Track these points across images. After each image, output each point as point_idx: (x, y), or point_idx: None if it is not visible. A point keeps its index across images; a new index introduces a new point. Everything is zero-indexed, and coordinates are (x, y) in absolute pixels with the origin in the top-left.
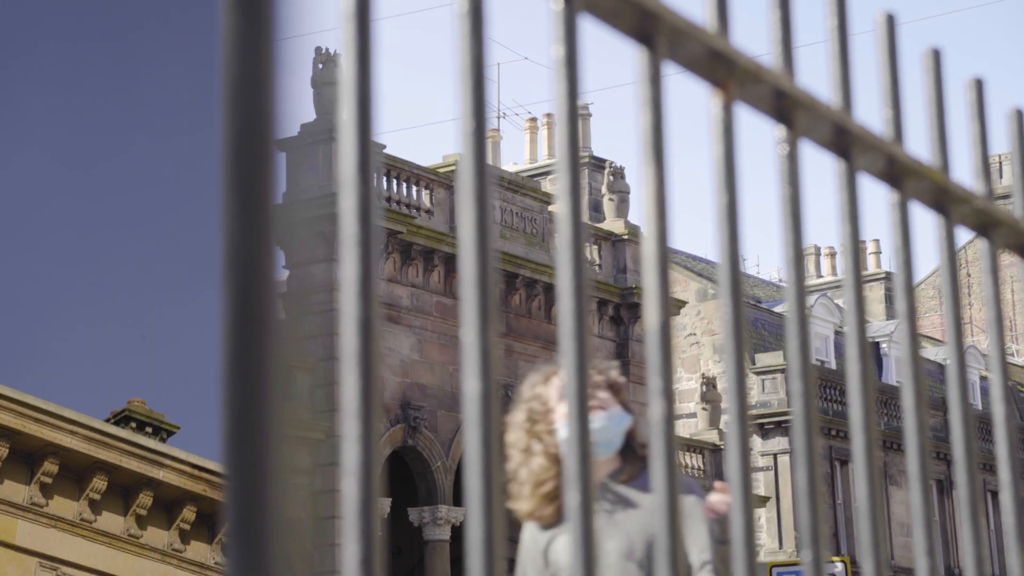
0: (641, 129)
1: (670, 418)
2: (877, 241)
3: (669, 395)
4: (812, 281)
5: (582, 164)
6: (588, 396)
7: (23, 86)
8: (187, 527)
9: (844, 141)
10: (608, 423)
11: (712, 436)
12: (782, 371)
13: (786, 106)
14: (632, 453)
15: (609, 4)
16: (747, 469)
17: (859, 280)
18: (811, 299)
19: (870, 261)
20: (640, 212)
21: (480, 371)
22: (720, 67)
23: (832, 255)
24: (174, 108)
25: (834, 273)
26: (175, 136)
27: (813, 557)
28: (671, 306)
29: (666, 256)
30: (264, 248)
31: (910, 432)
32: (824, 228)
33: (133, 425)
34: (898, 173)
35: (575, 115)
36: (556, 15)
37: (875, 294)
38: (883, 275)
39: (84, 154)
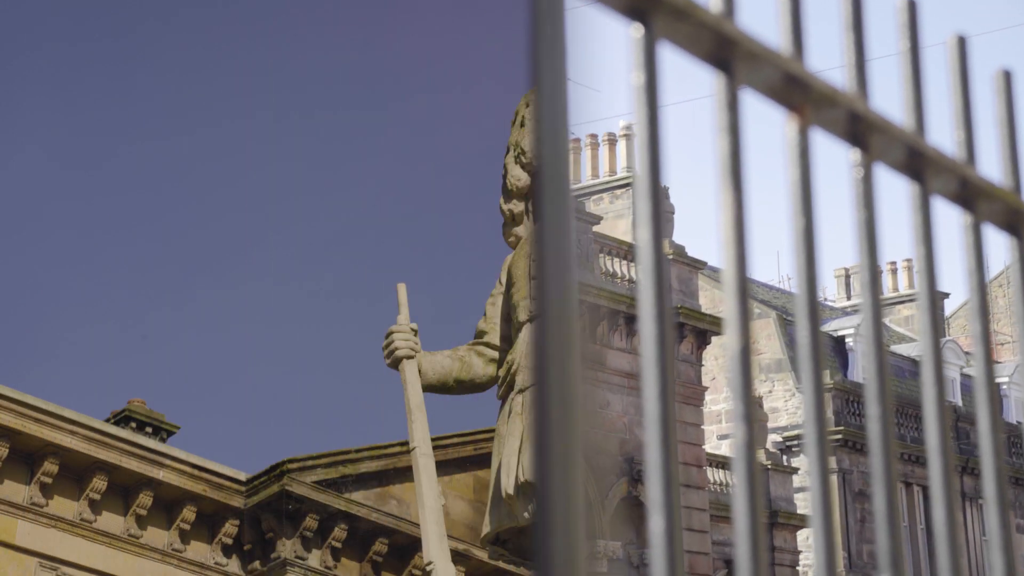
0: (719, 155)
1: (751, 442)
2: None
3: (750, 420)
4: (857, 300)
5: (625, 184)
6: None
7: (23, 86)
8: (187, 527)
9: (917, 164)
10: None
11: (758, 456)
12: (830, 390)
13: (861, 130)
14: None
15: (687, 30)
16: (827, 493)
17: (934, 300)
18: (858, 318)
19: (917, 280)
20: (718, 237)
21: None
22: (796, 92)
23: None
24: (173, 108)
25: (882, 292)
26: (174, 136)
27: None
28: (751, 331)
29: (745, 281)
30: (570, 312)
31: (986, 454)
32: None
33: (133, 425)
34: (971, 195)
35: (656, 142)
36: (635, 42)
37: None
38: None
39: (84, 154)
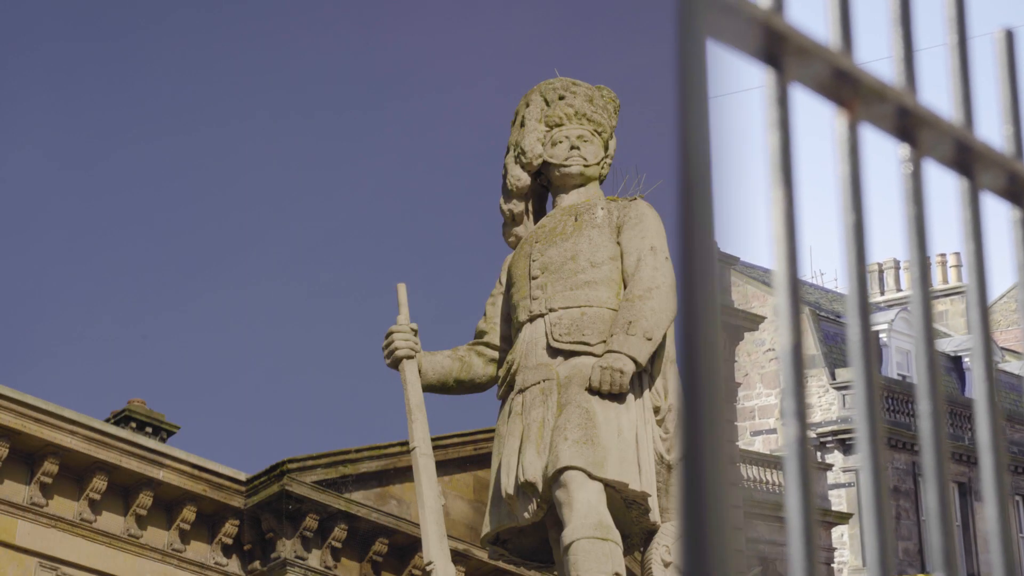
0: (769, 151)
1: (804, 439)
2: (957, 254)
3: (803, 416)
4: (892, 295)
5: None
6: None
7: (22, 85)
8: (187, 527)
9: (966, 159)
10: None
11: None
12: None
13: (910, 124)
14: None
15: (736, 26)
16: (881, 492)
17: (984, 296)
18: (891, 313)
19: (951, 275)
20: (767, 235)
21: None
22: (845, 87)
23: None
24: (172, 108)
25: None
26: (174, 136)
27: None
28: (801, 328)
29: (796, 278)
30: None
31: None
32: (897, 242)
33: (133, 425)
34: (1019, 190)
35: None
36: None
37: (956, 307)
38: (964, 288)
39: (83, 154)
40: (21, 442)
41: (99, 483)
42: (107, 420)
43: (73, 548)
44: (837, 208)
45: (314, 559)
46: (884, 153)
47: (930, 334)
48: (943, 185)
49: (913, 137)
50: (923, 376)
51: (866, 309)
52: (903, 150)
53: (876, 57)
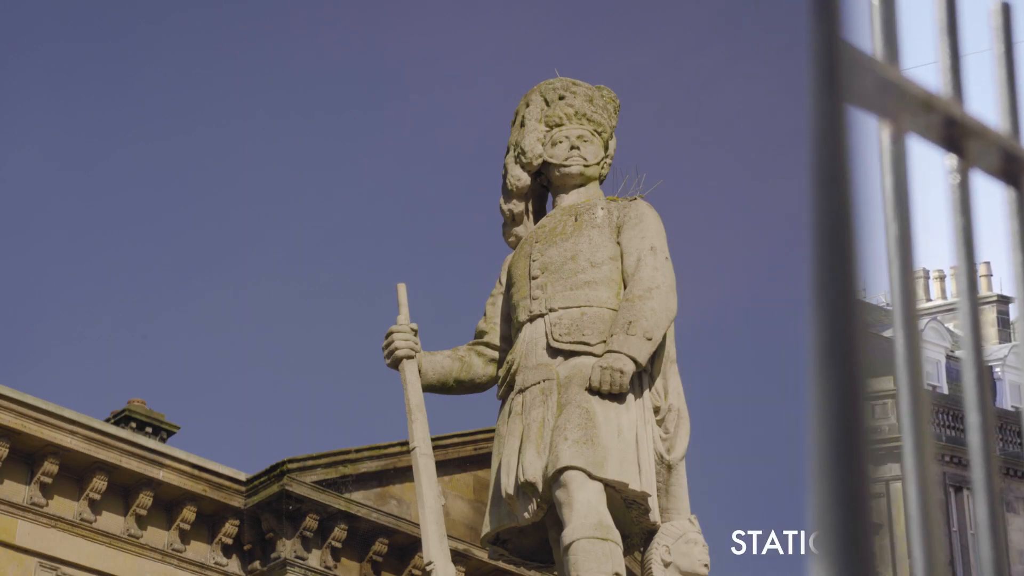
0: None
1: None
2: (988, 264)
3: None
4: (922, 305)
5: None
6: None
7: (22, 86)
8: (187, 527)
9: (1014, 168)
10: None
11: None
12: (892, 396)
13: (957, 135)
14: None
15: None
16: (928, 505)
17: None
18: (920, 323)
19: (980, 284)
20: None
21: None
22: (891, 98)
23: (941, 278)
24: (172, 108)
25: (943, 296)
26: (173, 136)
27: None
28: (982, 337)
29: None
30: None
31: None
32: (934, 250)
33: (133, 425)
34: None
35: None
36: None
37: (987, 317)
38: (995, 298)
39: (82, 154)
40: (21, 442)
41: (99, 483)
42: (107, 420)
43: (73, 548)
44: (883, 218)
45: (314, 559)
46: (931, 164)
47: (979, 344)
48: (989, 196)
49: (960, 148)
50: (971, 387)
51: (912, 318)
52: (950, 160)
53: (919, 64)
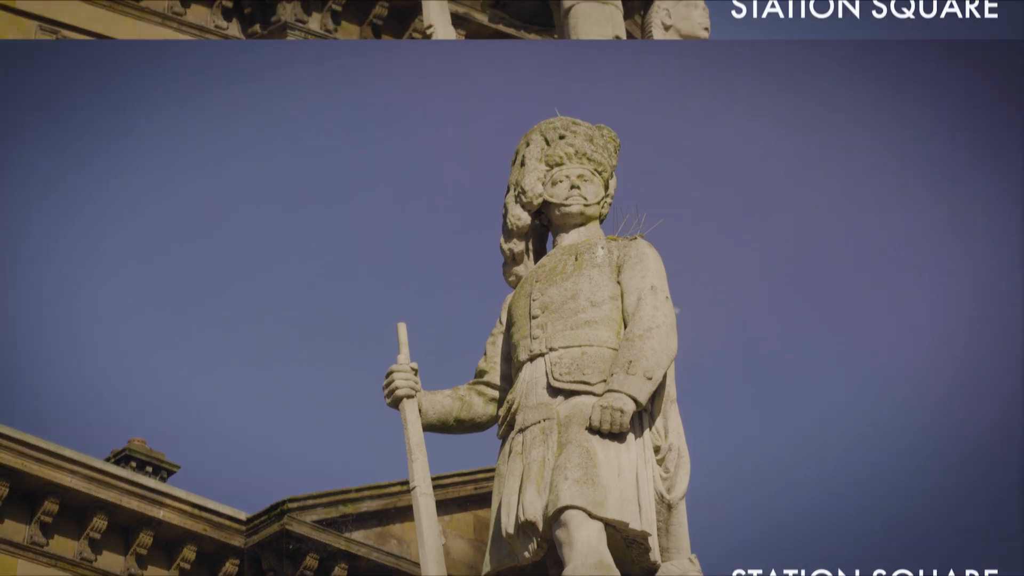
0: None
1: None
2: None
3: None
4: None
5: None
6: None
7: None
8: (187, 566)
9: None
10: None
11: None
12: None
13: None
14: None
15: None
16: None
17: None
18: None
19: None
20: None
21: None
22: None
23: None
24: (164, 144)
25: None
26: (168, 175)
27: None
28: None
29: None
30: None
31: None
32: None
33: (133, 464)
34: None
35: None
36: None
37: None
38: None
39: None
40: (21, 481)
41: (99, 522)
42: (107, 459)
43: None
44: None
45: None
46: None
47: None
48: None
49: None
50: None
51: None
52: None
53: None
